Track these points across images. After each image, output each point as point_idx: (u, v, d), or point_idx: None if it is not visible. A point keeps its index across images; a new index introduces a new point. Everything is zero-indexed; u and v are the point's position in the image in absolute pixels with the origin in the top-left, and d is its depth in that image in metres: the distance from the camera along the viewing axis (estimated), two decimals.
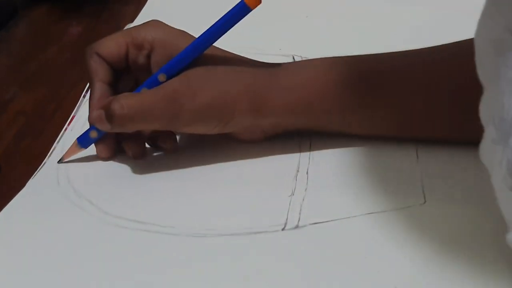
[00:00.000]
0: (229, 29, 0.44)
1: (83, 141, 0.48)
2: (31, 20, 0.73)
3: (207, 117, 0.45)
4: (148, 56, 0.47)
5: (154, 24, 0.47)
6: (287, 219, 0.42)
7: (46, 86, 0.61)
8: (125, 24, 0.68)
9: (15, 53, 0.68)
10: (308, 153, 0.48)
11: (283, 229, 0.42)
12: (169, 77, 0.45)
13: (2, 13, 0.72)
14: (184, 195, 0.45)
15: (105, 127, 0.45)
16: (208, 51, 0.45)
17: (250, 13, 0.44)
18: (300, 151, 0.48)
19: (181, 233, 0.42)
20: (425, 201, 0.43)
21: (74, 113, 0.54)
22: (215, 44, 0.46)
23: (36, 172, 0.48)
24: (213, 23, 0.45)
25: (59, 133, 0.52)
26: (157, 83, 0.45)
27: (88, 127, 0.48)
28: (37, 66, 0.64)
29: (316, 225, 0.42)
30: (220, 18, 0.44)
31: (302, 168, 0.47)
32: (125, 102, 0.44)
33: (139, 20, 0.68)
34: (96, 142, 0.48)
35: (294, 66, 0.48)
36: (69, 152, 0.48)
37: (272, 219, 0.42)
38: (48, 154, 0.50)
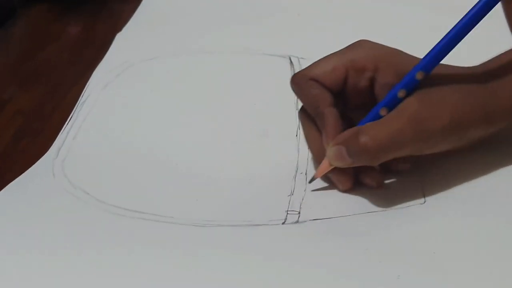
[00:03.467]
0: (478, 22, 0.40)
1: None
2: (30, 19, 0.73)
3: (448, 137, 0.42)
4: (370, 79, 0.44)
5: (368, 44, 0.44)
6: (287, 215, 0.42)
7: (44, 85, 0.61)
8: (123, 23, 0.67)
9: (14, 52, 0.68)
10: (306, 153, 0.48)
11: (283, 223, 0.42)
12: (408, 91, 0.42)
13: (1, 12, 0.72)
14: (183, 188, 0.45)
15: (345, 162, 0.42)
16: None
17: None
18: (298, 151, 0.48)
19: (180, 223, 0.41)
20: (425, 201, 0.43)
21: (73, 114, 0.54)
22: None
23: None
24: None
25: (58, 133, 0.52)
26: (397, 100, 0.42)
27: None
28: (36, 65, 0.64)
29: (316, 221, 0.42)
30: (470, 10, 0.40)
31: (301, 168, 0.47)
32: (373, 134, 0.41)
33: (135, 19, 0.68)
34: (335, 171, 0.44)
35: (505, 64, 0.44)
36: (322, 169, 0.44)
37: (272, 214, 0.42)
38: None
